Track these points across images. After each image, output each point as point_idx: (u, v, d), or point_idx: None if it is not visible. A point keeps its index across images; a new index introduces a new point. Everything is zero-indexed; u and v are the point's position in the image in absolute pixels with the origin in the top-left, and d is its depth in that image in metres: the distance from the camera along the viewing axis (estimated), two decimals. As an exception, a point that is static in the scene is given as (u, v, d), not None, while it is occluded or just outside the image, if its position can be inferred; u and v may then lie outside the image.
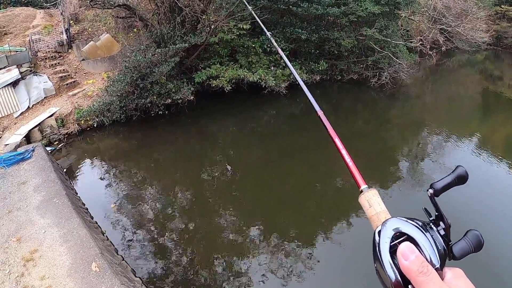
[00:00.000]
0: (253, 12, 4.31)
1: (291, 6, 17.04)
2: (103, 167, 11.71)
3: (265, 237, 8.30)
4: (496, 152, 13.57)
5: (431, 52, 22.19)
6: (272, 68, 16.79)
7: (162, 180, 10.91)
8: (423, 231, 0.93)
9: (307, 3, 17.04)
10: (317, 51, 19.09)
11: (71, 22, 19.00)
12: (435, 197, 1.02)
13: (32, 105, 13.91)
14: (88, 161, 12.03)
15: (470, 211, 9.65)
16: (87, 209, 9.03)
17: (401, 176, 11.58)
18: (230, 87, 14.66)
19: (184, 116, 14.23)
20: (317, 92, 18.75)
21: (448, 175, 1.04)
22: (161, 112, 13.82)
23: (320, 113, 1.69)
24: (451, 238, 0.96)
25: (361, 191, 1.19)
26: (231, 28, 15.94)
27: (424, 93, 22.62)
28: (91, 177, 11.12)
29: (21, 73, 14.35)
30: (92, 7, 15.47)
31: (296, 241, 8.20)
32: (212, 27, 15.13)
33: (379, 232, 0.96)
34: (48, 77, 14.90)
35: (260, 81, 15.53)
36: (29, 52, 15.56)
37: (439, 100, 21.62)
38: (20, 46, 16.37)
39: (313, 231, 8.66)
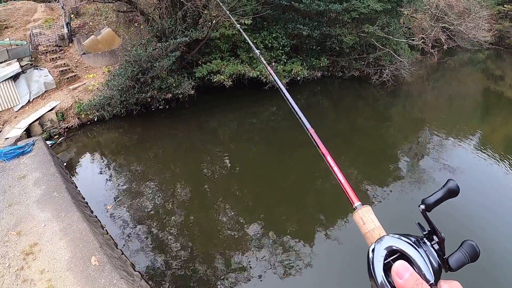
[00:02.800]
0: (241, 30, 4.31)
1: (293, 2, 16.98)
2: (103, 161, 11.70)
3: (264, 232, 8.30)
4: (496, 152, 13.56)
5: (432, 50, 22.18)
6: (273, 64, 16.75)
7: (162, 175, 10.88)
8: (416, 247, 0.94)
9: (309, -1, 17.00)
10: (319, 47, 19.04)
11: (72, 16, 18.94)
12: (427, 212, 1.02)
13: (33, 99, 13.87)
14: (88, 155, 12.01)
15: (470, 212, 9.63)
16: (86, 203, 9.02)
17: (401, 174, 11.58)
18: (231, 82, 14.64)
19: (184, 111, 14.20)
20: (318, 88, 18.74)
21: (439, 189, 1.04)
22: (161, 107, 13.80)
23: (311, 130, 1.68)
24: (450, 246, 0.97)
25: (355, 208, 1.20)
26: (232, 23, 15.89)
27: (425, 91, 22.59)
28: (91, 171, 11.11)
29: (21, 66, 14.30)
30: (93, 1, 15.41)
31: (295, 237, 8.20)
32: (214, 22, 15.09)
33: (373, 250, 0.96)
34: (49, 71, 14.85)
35: (261, 76, 15.50)
36: (30, 46, 15.51)
37: (440, 98, 21.57)
38: (21, 40, 16.32)
39: (312, 227, 8.67)
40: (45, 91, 14.26)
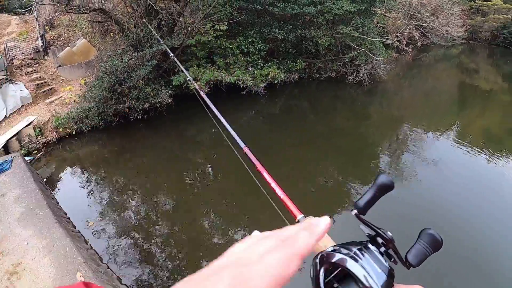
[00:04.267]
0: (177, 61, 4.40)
1: (267, 6, 17.14)
2: (83, 175, 11.62)
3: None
4: (474, 143, 13.91)
5: (407, 48, 22.59)
6: (250, 68, 16.88)
7: (144, 186, 10.87)
8: (358, 258, 0.83)
9: (283, 3, 17.16)
10: (295, 50, 19.24)
11: (47, 28, 18.79)
12: (362, 215, 0.97)
13: (9, 115, 13.72)
14: (68, 169, 11.91)
15: (452, 203, 9.90)
16: (69, 218, 8.94)
17: (381, 171, 11.78)
18: (208, 89, 14.70)
19: (163, 120, 14.18)
20: (295, 90, 18.91)
21: (369, 188, 1.00)
22: (140, 117, 13.75)
23: (246, 149, 1.71)
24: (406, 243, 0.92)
25: (298, 222, 1.17)
26: (208, 30, 15.98)
27: (401, 88, 22.98)
28: (72, 186, 11.01)
29: (-4, 81, 14.18)
30: (67, 12, 15.31)
31: None
32: (189, 29, 15.14)
33: (314, 266, 0.88)
34: (25, 85, 14.70)
35: (238, 82, 15.61)
36: (5, 60, 15.35)
37: (417, 94, 21.98)
38: (-5, 54, 16.18)
39: None
40: (21, 106, 14.12)
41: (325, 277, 0.82)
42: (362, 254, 0.84)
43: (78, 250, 6.85)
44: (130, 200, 10.01)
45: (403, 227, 8.76)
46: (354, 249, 0.85)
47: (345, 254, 0.84)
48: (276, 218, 8.00)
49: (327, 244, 1.02)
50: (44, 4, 16.78)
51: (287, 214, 1.54)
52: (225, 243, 8.24)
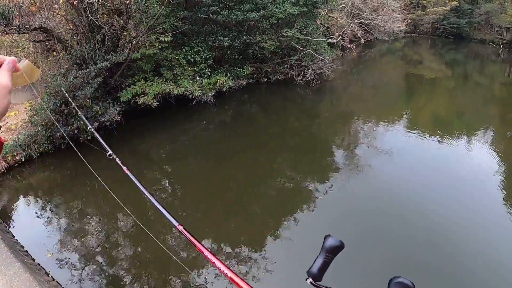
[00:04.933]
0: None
1: (211, 15, 17.32)
2: (38, 204, 11.29)
3: (217, 247, 8.49)
4: (424, 129, 14.65)
5: (351, 46, 23.22)
6: (198, 78, 17.01)
7: (102, 208, 10.76)
8: None
9: (227, 10, 17.41)
10: (241, 56, 19.51)
11: (-13, 50, 18.30)
12: (318, 282, 0.97)
13: (-48, 144, 13.30)
14: (21, 199, 11.51)
15: (405, 190, 10.59)
16: (26, 251, 8.67)
17: (338, 166, 12.21)
18: (157, 103, 14.67)
19: (114, 139, 13.91)
20: (245, 96, 19.17)
21: (319, 254, 0.98)
22: (90, 137, 13.53)
23: (180, 227, 1.72)
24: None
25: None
26: (152, 42, 15.97)
27: (349, 84, 23.73)
28: (27, 217, 10.62)
29: None
30: (7, 33, 14.98)
31: (248, 246, 8.47)
32: (134, 43, 15.09)
33: None
34: (-34, 112, 14.28)
35: (186, 93, 15.72)
36: None
37: (365, 89, 22.76)
38: None
39: (263, 233, 8.98)
40: (-36, 134, 13.76)
41: None
42: None
43: (39, 283, 6.75)
44: (89, 224, 9.84)
45: (361, 221, 9.25)
46: None
47: None
48: (242, 224, 8.09)
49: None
50: (-18, 26, 16.35)
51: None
52: (192, 257, 8.32)
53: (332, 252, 0.96)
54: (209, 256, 1.37)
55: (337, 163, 12.46)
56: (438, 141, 13.80)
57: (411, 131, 14.80)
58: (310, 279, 0.97)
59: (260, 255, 8.21)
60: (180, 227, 1.71)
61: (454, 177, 11.45)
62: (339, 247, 0.96)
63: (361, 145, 13.87)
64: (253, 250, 8.39)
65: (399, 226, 9.13)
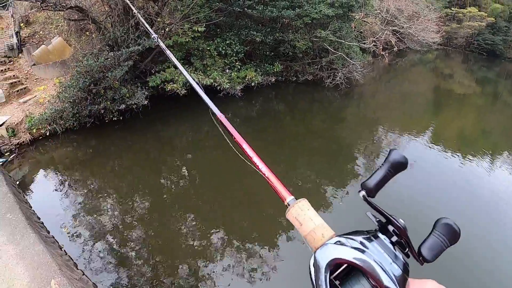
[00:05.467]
0: None
1: (246, 9, 17.23)
2: (57, 178, 11.40)
3: (228, 240, 8.40)
4: (448, 145, 14.27)
5: (383, 53, 22.86)
6: (227, 70, 16.93)
7: (119, 188, 10.76)
8: (365, 250, 0.76)
9: (262, 6, 17.31)
10: (272, 53, 19.41)
11: (22, 25, 18.47)
12: (370, 198, 0.88)
13: (-19, 114, 13.48)
14: (41, 172, 11.66)
15: (422, 204, 10.14)
16: (42, 223, 8.75)
17: (358, 172, 12.00)
18: (185, 91, 14.63)
19: (139, 122, 14.04)
20: (272, 93, 19.03)
21: (380, 166, 0.89)
22: (115, 118, 13.56)
23: (222, 117, 1.55)
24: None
25: (287, 206, 1.01)
26: (185, 31, 15.93)
27: (377, 91, 23.35)
28: (46, 189, 10.78)
29: (-33, 79, 13.90)
30: (43, 9, 15.08)
31: (258, 242, 8.35)
32: (167, 29, 15.09)
33: (314, 264, 0.78)
34: (-3, 84, 14.47)
35: (215, 84, 15.65)
36: (-23, 57, 15.08)
37: (393, 98, 22.36)
38: (-33, 51, 15.84)
39: (274, 230, 8.85)
40: (-7, 105, 13.88)
41: (328, 276, 0.74)
42: (371, 244, 0.77)
43: (52, 256, 6.75)
44: (106, 203, 9.89)
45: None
46: (363, 238, 0.79)
47: (349, 246, 0.77)
48: (254, 219, 8.02)
49: (325, 233, 0.87)
50: (20, 0, 16.51)
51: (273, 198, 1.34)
52: (201, 246, 8.27)
53: (395, 167, 0.85)
54: (249, 151, 1.24)
55: (357, 170, 12.23)
56: (461, 158, 13.41)
57: (435, 145, 14.45)
58: (364, 192, 0.86)
59: (268, 251, 8.10)
60: (222, 117, 1.50)
61: (474, 196, 11.09)
62: (403, 164, 0.85)
63: (383, 154, 13.56)
64: (262, 246, 8.27)
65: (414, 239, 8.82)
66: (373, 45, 23.50)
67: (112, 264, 7.72)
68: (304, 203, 0.97)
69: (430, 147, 14.28)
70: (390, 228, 0.81)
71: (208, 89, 16.16)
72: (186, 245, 8.33)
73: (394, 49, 28.80)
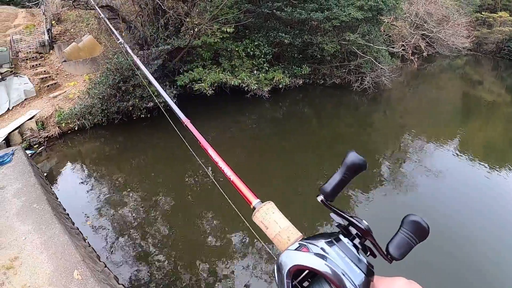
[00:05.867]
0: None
1: (275, 11, 17.16)
2: (84, 171, 11.57)
3: (249, 241, 8.33)
4: (476, 155, 13.89)
5: (412, 57, 22.52)
6: (255, 72, 16.88)
7: (144, 185, 10.81)
8: (326, 256, 0.74)
9: (290, 8, 17.19)
10: (300, 55, 19.28)
11: (53, 22, 18.79)
12: (330, 202, 0.86)
13: (12, 107, 13.70)
14: (69, 165, 11.86)
15: (453, 214, 9.82)
16: (68, 214, 8.89)
17: (382, 179, 11.76)
18: (212, 91, 14.64)
19: (165, 120, 13.99)
20: (300, 95, 18.91)
21: (338, 170, 0.87)
22: (143, 116, 13.69)
23: (187, 121, 1.59)
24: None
25: (254, 209, 1.00)
26: (214, 32, 15.95)
27: (405, 97, 22.94)
28: (72, 182, 10.97)
29: (1, 74, 14.15)
30: (74, 7, 15.31)
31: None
32: (196, 30, 15.13)
33: (278, 268, 0.78)
34: (29, 78, 14.69)
35: (242, 85, 15.60)
36: (10, 53, 15.35)
37: (421, 104, 21.94)
38: (1, 46, 16.13)
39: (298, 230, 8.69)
40: (25, 99, 14.10)
41: (291, 281, 0.74)
42: (332, 249, 0.75)
43: (76, 247, 6.80)
44: (130, 199, 9.97)
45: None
46: (322, 244, 0.77)
47: (311, 252, 0.75)
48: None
49: (290, 236, 0.91)
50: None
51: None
52: (223, 245, 8.22)
53: (352, 170, 0.82)
54: (214, 156, 1.27)
55: (382, 176, 11.98)
56: (489, 169, 12.97)
57: (461, 154, 14.05)
58: (322, 197, 0.84)
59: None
60: (187, 121, 1.60)
61: (502, 209, 10.68)
62: (361, 166, 0.81)
63: (409, 161, 13.27)
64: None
65: (436, 255, 8.56)
66: (402, 49, 23.16)
67: (133, 257, 7.78)
68: (269, 206, 0.98)
69: (456, 156, 13.93)
70: (353, 230, 0.80)
71: (234, 90, 16.17)
72: (207, 243, 8.31)
73: (424, 54, 28.34)
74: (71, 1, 13.92)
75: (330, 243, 0.77)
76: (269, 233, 0.93)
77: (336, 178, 0.86)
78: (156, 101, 13.64)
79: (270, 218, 0.95)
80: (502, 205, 10.74)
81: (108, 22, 3.47)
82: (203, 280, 7.24)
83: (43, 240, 6.93)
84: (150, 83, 13.28)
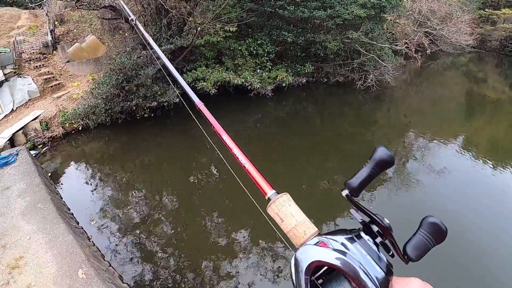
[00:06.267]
0: None
1: (277, 9, 17.13)
2: (88, 171, 11.60)
3: (253, 240, 8.31)
4: (480, 152, 13.80)
5: (416, 55, 22.40)
6: (258, 70, 16.87)
7: (148, 184, 10.83)
8: (346, 252, 0.72)
9: (293, 6, 17.16)
10: (303, 53, 19.26)
11: (56, 23, 18.83)
12: (354, 197, 0.84)
13: (16, 108, 13.74)
14: (73, 164, 11.90)
15: (457, 213, 9.76)
16: (72, 214, 8.93)
17: (386, 177, 11.71)
18: (215, 90, 14.64)
19: (169, 119, 14.14)
20: (303, 94, 18.87)
21: (365, 165, 0.85)
22: (146, 115, 13.72)
23: (200, 104, 1.52)
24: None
25: (269, 200, 0.96)
26: (217, 31, 15.95)
27: (409, 95, 22.85)
28: (76, 181, 11.00)
29: (5, 75, 14.17)
30: (77, 8, 15.32)
31: (283, 243, 8.22)
32: (199, 29, 15.12)
33: (295, 264, 0.75)
34: (32, 79, 14.73)
35: (246, 84, 15.59)
36: (14, 53, 15.38)
37: (424, 102, 21.85)
38: (4, 47, 16.17)
39: None
40: (28, 100, 14.14)
41: (310, 277, 0.72)
42: (353, 246, 0.74)
43: (81, 246, 6.81)
44: (134, 198, 9.99)
45: (399, 238, 8.68)
46: (342, 239, 0.76)
47: (331, 248, 0.74)
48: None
49: (307, 230, 0.85)
50: (55, -1, 16.84)
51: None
52: (227, 244, 8.21)
53: (380, 165, 0.80)
54: (229, 142, 1.18)
55: (386, 175, 11.91)
56: (493, 168, 12.89)
57: (465, 152, 13.95)
58: (347, 191, 0.83)
59: (293, 253, 7.88)
60: (200, 105, 1.49)
61: (506, 208, 10.60)
62: (388, 162, 0.80)
63: (413, 159, 13.21)
64: (287, 247, 8.06)
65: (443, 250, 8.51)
66: (406, 47, 23.06)
67: (138, 257, 7.79)
68: (285, 198, 0.93)
69: (460, 154, 13.86)
70: (374, 228, 0.78)
71: (238, 89, 16.16)
72: (211, 243, 8.29)
73: (427, 51, 28.20)
74: (73, 2, 13.91)
75: (351, 240, 0.76)
76: (284, 226, 0.88)
77: (363, 173, 0.84)
78: (160, 100, 13.72)
79: (286, 210, 0.90)
80: (504, 200, 10.73)
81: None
82: (208, 277, 7.23)
83: (47, 240, 6.95)
84: (153, 82, 13.43)
